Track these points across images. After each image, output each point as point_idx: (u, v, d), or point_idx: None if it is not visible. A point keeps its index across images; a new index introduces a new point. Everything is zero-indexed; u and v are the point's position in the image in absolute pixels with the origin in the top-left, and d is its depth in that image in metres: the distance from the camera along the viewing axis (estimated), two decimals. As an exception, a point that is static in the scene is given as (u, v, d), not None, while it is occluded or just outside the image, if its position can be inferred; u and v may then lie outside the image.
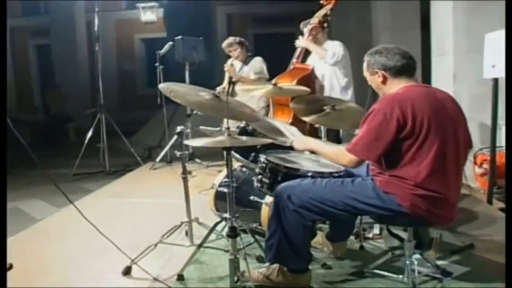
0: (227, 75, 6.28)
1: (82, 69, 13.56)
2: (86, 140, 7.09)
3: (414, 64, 2.72)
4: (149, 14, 14.73)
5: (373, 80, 2.78)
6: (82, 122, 10.79)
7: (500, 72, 4.37)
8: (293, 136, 3.46)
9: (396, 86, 2.67)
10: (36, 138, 10.95)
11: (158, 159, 6.82)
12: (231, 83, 5.91)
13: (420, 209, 2.52)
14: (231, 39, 6.11)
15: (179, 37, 7.16)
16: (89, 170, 7.15)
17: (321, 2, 5.05)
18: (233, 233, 2.77)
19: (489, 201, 4.57)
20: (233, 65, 5.91)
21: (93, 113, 7.51)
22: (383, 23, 8.84)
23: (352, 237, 3.57)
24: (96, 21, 7.24)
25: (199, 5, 13.29)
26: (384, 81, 2.71)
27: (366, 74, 2.83)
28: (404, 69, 2.67)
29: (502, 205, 4.46)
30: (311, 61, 5.14)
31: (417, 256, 2.97)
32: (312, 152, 3.06)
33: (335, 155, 2.73)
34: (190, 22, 12.05)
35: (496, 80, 4.53)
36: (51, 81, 13.70)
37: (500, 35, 4.35)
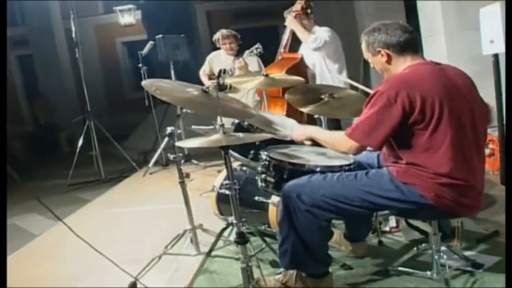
0: (206, 71, 6.05)
1: (67, 76, 13.29)
2: (78, 149, 6.90)
3: (417, 38, 2.51)
4: (128, 17, 14.57)
5: (377, 61, 2.52)
6: (73, 130, 10.61)
7: (499, 47, 4.18)
8: (289, 128, 3.30)
9: (403, 64, 2.43)
10: (28, 150, 10.76)
11: (150, 165, 6.63)
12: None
13: (446, 199, 2.31)
14: (226, 31, 5.83)
15: (160, 36, 7.04)
16: (85, 179, 6.97)
17: None
18: (242, 240, 2.59)
19: (503, 182, 4.41)
20: (246, 62, 5.45)
21: (83, 120, 7.32)
22: (366, 9, 8.72)
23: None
24: (73, 27, 7.02)
25: (177, 4, 13.11)
26: (388, 61, 2.45)
27: (367, 55, 2.56)
28: (408, 45, 2.42)
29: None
30: (302, 50, 5.00)
31: (443, 248, 2.75)
32: (313, 141, 2.82)
33: (334, 141, 2.55)
34: (170, 22, 11.91)
35: (496, 56, 4.35)
36: (36, 91, 13.47)
37: (494, 9, 4.19)
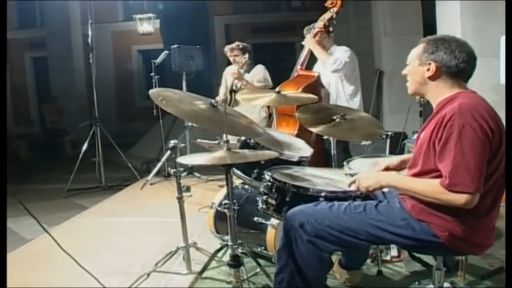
0: (223, 86, 6.01)
1: (79, 81, 13.37)
2: (81, 154, 6.82)
3: (474, 70, 2.23)
4: (146, 26, 14.60)
5: (418, 72, 2.24)
6: (79, 134, 10.60)
7: (518, 76, 4.06)
8: (296, 149, 3.14)
9: (448, 88, 2.19)
10: (32, 151, 10.76)
11: (149, 177, 6.39)
12: (232, 91, 5.62)
13: (459, 239, 2.12)
14: (234, 44, 5.77)
15: (175, 45, 6.95)
16: (85, 185, 6.88)
17: (326, 5, 4.77)
18: (235, 263, 2.45)
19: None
20: (240, 71, 5.53)
21: (90, 126, 7.26)
22: (384, 28, 8.63)
23: (368, 260, 3.20)
24: (90, 33, 7.04)
25: (197, 16, 13.16)
26: (432, 77, 2.19)
27: (413, 61, 2.28)
28: (463, 73, 2.19)
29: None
30: (317, 68, 4.87)
31: (447, 285, 2.60)
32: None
33: (437, 196, 2.05)
34: (188, 33, 11.93)
35: (514, 85, 4.22)
36: (48, 93, 13.54)
37: (517, 37, 4.07)
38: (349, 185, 2.41)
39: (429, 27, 6.90)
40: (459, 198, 1.98)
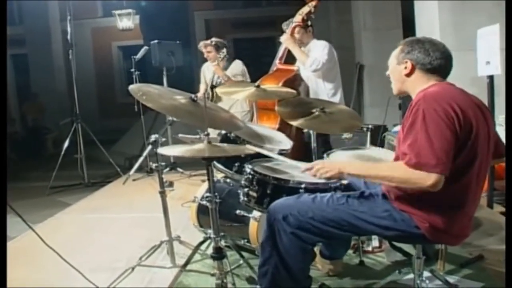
0: (202, 82, 6.03)
1: (60, 78, 13.29)
2: (63, 151, 6.80)
3: (451, 68, 2.28)
4: (126, 21, 14.55)
5: (397, 70, 2.32)
6: (61, 132, 10.55)
7: (495, 69, 4.14)
8: (277, 142, 3.18)
9: (424, 82, 2.24)
10: (13, 150, 10.67)
11: (131, 172, 6.32)
12: (213, 87, 5.64)
13: (439, 230, 2.16)
14: (208, 40, 5.81)
15: (155, 41, 6.94)
16: (67, 182, 6.88)
17: None
18: (218, 255, 2.48)
19: (490, 205, 4.33)
20: (219, 64, 5.58)
21: (72, 123, 7.23)
22: (364, 23, 8.70)
23: (350, 251, 3.26)
24: (69, 29, 7.02)
25: (177, 11, 13.11)
26: (409, 74, 2.27)
27: (392, 61, 2.36)
28: (438, 70, 2.24)
29: (502, 208, 4.21)
30: (298, 63, 4.89)
31: (426, 273, 2.65)
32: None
33: (404, 175, 2.04)
34: (168, 29, 11.88)
35: (491, 78, 4.29)
36: (28, 91, 13.41)
37: (493, 30, 4.15)
38: (303, 171, 2.45)
39: (408, 21, 6.99)
40: (425, 179, 1.98)
